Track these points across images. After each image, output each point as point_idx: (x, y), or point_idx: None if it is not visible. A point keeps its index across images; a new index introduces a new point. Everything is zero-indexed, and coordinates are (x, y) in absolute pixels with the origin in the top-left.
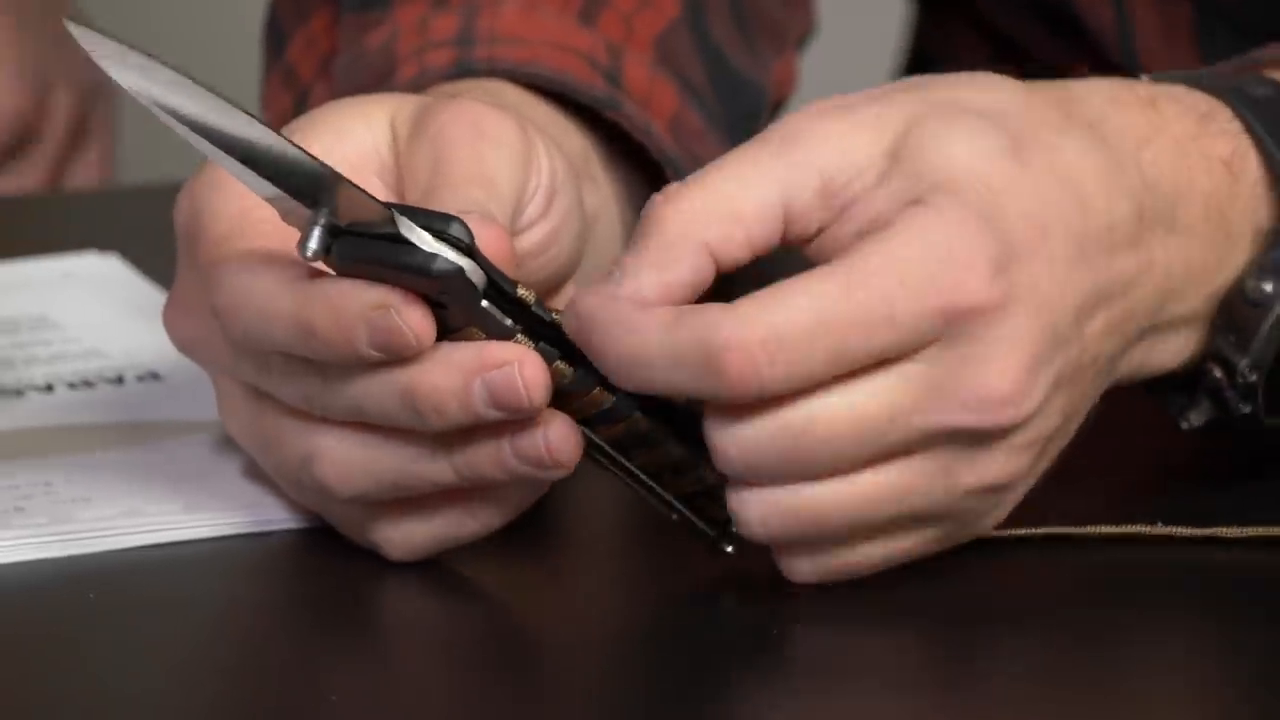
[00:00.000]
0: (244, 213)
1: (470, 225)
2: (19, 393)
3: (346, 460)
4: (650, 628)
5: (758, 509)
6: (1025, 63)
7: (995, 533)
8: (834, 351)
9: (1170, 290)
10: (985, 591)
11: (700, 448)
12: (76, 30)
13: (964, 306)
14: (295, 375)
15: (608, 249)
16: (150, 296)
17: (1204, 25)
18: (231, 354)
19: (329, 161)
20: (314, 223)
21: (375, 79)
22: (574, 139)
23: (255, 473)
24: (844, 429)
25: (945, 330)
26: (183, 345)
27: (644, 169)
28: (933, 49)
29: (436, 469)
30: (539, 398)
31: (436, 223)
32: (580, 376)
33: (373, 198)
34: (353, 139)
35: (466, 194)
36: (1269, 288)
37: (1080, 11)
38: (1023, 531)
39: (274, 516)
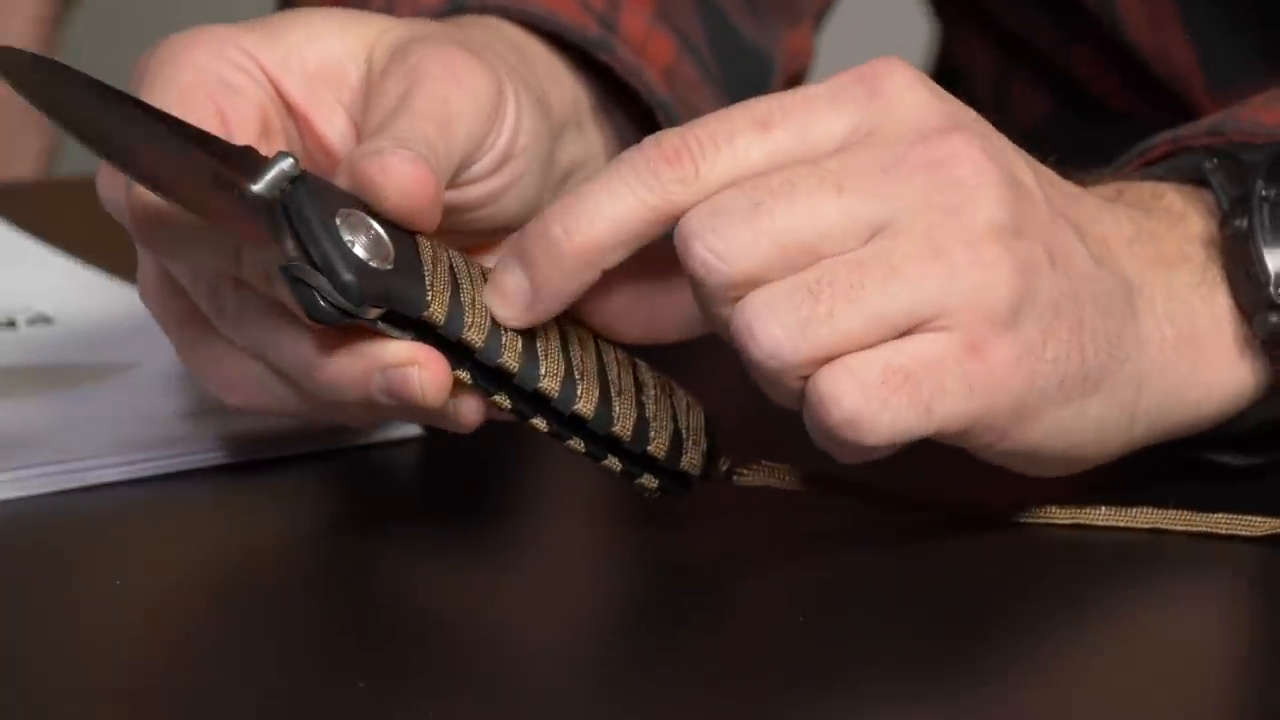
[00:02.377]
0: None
1: (403, 163)
2: None
3: (238, 380)
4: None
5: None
6: (1033, 63)
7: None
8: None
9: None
10: (1004, 572)
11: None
12: None
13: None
14: (212, 290)
15: None
16: (18, 241)
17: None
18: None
19: (287, 57)
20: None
21: None
22: (566, 83)
23: (179, 412)
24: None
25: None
26: (110, 206)
27: (639, 116)
28: (952, 54)
29: (312, 409)
30: (435, 400)
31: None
32: (479, 379)
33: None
34: (321, 45)
35: (420, 126)
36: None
37: None
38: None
39: (206, 454)
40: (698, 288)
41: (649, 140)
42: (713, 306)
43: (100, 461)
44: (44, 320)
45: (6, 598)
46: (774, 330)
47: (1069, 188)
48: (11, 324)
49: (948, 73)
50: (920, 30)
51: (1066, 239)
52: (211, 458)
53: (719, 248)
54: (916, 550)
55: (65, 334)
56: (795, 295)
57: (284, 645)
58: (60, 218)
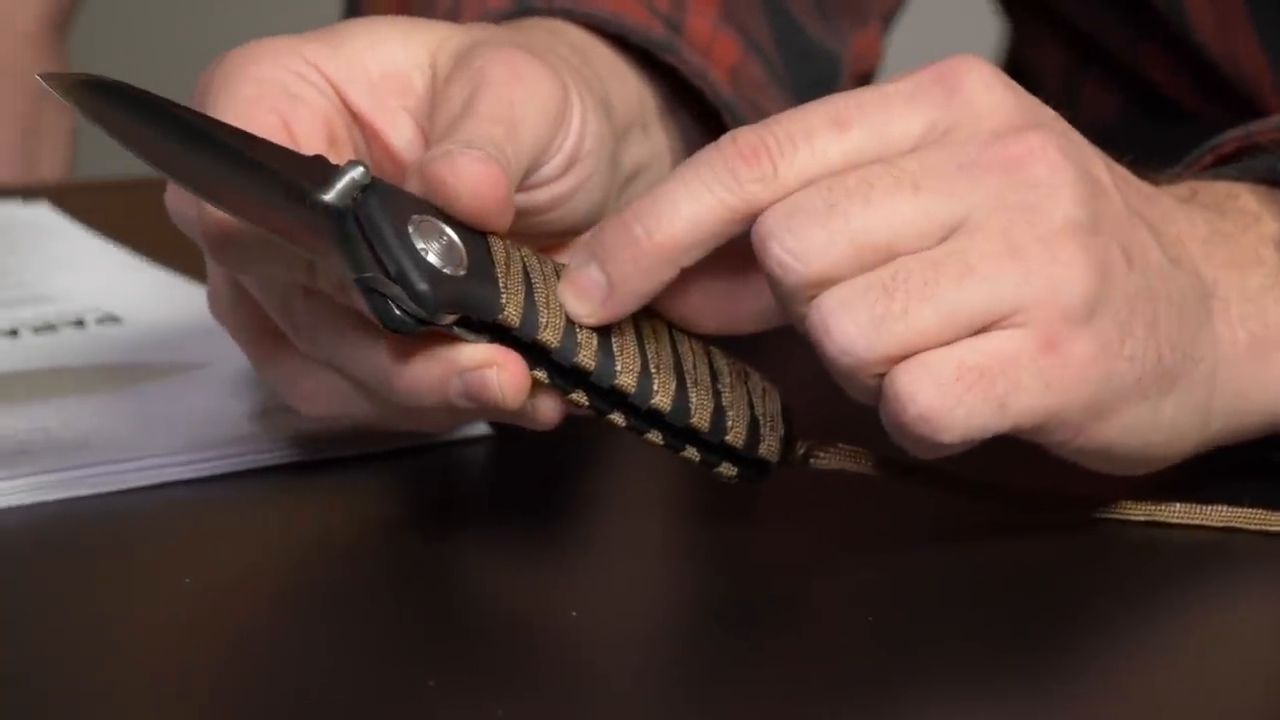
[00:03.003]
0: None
1: (473, 163)
2: None
3: (316, 392)
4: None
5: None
6: (1104, 62)
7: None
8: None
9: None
10: (1073, 574)
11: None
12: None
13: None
14: (285, 303)
15: None
16: (87, 241)
17: None
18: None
19: (350, 66)
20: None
21: None
22: (630, 84)
23: (248, 410)
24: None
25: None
26: (180, 221)
27: (704, 117)
28: (1022, 53)
29: (392, 417)
30: (515, 401)
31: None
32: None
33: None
34: (384, 52)
35: (487, 129)
36: None
37: None
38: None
39: (274, 453)
40: (775, 286)
41: (726, 138)
42: (790, 304)
43: (169, 460)
44: (112, 320)
45: (79, 595)
46: (849, 328)
47: (1144, 187)
48: (80, 323)
49: (1018, 71)
50: (990, 28)
51: (1142, 238)
52: (279, 456)
53: (795, 248)
54: (989, 548)
55: (133, 333)
56: (870, 293)
57: (353, 643)
58: (128, 217)
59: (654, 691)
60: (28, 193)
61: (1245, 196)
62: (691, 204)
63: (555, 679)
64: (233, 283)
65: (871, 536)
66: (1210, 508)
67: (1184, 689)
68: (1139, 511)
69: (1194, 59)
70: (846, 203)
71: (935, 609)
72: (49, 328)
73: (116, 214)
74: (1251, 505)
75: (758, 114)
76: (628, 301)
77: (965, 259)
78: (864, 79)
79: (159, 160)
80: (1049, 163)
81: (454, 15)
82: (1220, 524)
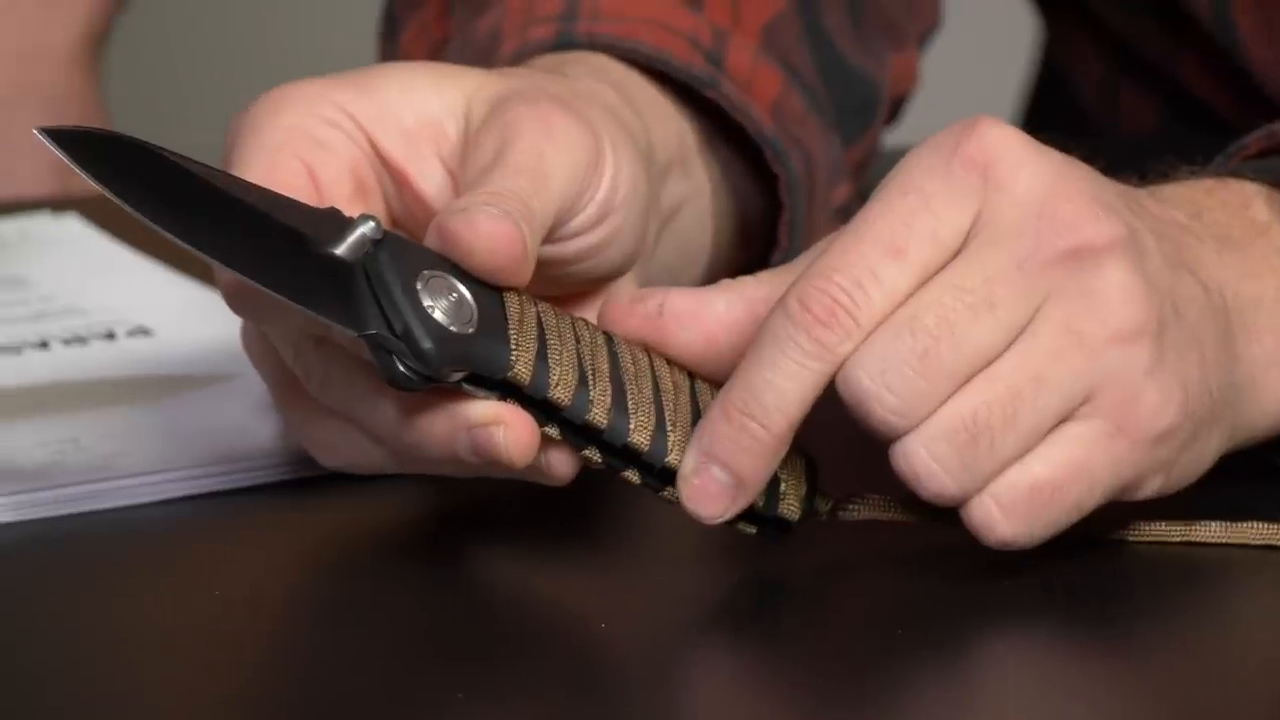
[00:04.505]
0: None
1: (490, 220)
2: (15, 350)
3: (330, 442)
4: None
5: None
6: (1142, 69)
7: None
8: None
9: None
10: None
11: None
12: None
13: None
14: (299, 351)
15: (691, 235)
16: (117, 253)
17: None
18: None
19: (384, 112)
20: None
21: (479, 59)
22: (671, 122)
23: (277, 424)
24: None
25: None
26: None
27: (744, 152)
28: (1058, 54)
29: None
30: (521, 459)
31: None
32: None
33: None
34: (418, 98)
35: (513, 181)
36: None
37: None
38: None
39: (304, 466)
40: (868, 430)
41: (794, 305)
42: (878, 437)
43: (199, 472)
44: (143, 332)
45: (108, 606)
46: (940, 477)
47: (1162, 218)
48: (111, 336)
49: (1054, 73)
50: (1026, 31)
51: (1183, 283)
52: (309, 469)
53: (901, 407)
54: (1023, 570)
55: (164, 346)
56: (956, 437)
57: (382, 655)
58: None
59: (685, 704)
60: (57, 205)
61: (1257, 205)
62: (792, 383)
63: (585, 691)
64: (256, 326)
65: (904, 547)
66: (1246, 525)
67: (1226, 711)
68: (1175, 533)
69: (1236, 70)
70: (935, 346)
71: (968, 629)
72: (79, 340)
73: (145, 226)
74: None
75: (798, 147)
76: (757, 489)
77: (1036, 369)
78: (901, 102)
79: (161, 220)
80: (1097, 246)
81: (494, 44)
82: (1259, 542)
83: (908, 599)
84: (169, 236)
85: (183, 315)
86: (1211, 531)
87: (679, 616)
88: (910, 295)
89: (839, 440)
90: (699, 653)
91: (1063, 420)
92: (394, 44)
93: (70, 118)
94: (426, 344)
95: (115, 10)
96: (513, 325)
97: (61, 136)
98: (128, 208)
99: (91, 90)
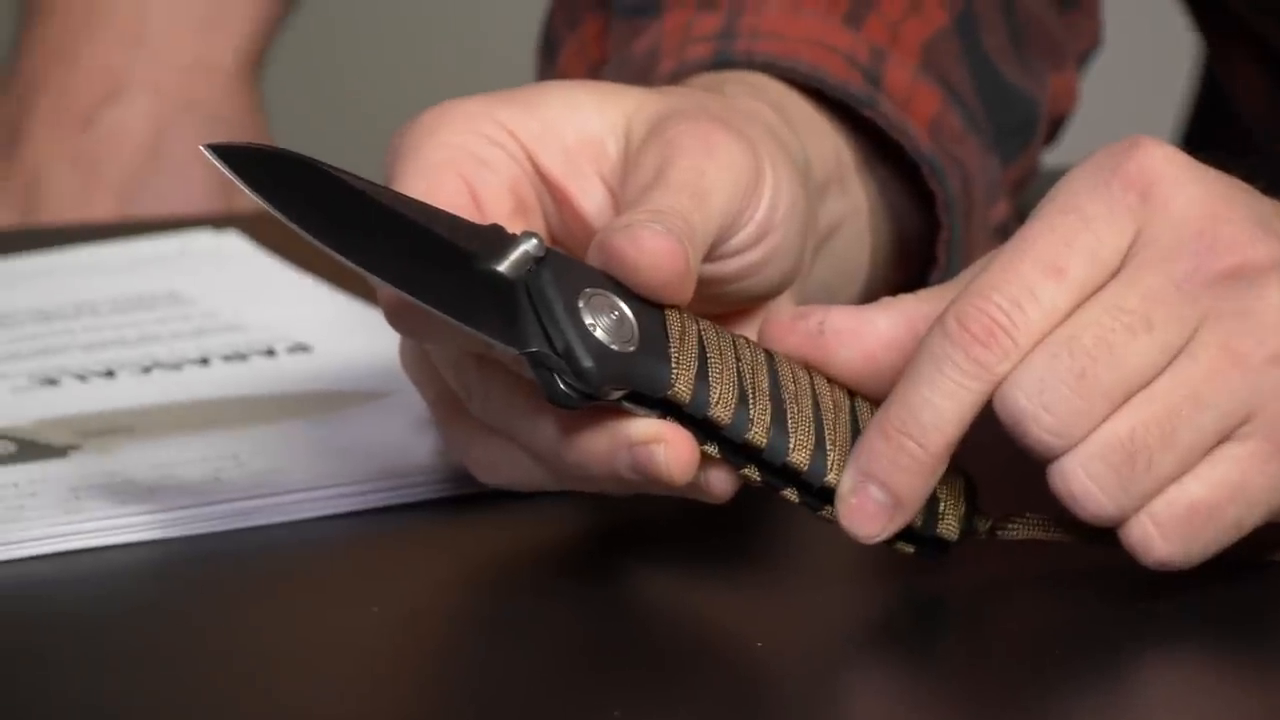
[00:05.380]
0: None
1: (654, 237)
2: (176, 367)
3: (491, 461)
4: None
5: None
6: None
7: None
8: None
9: None
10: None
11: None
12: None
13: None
14: (460, 369)
15: (849, 254)
16: (277, 270)
17: None
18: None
19: (545, 130)
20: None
21: (637, 79)
22: (828, 141)
23: (435, 440)
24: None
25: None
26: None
27: (902, 171)
28: (1216, 74)
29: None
30: (681, 477)
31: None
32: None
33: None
34: (580, 117)
35: (674, 198)
36: None
37: None
38: None
39: (460, 483)
40: (1026, 449)
41: (953, 324)
42: (1036, 456)
43: (358, 488)
44: (302, 349)
45: (269, 622)
46: (1098, 497)
47: None
48: (271, 353)
49: (1213, 93)
50: (1185, 46)
51: None
52: (467, 486)
53: (1057, 427)
54: (1181, 591)
55: (324, 362)
56: (1113, 457)
57: (539, 671)
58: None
59: None
60: (218, 222)
61: None
62: (951, 403)
63: (741, 710)
64: (416, 344)
65: (1063, 567)
66: None
67: None
68: None
69: None
70: (1093, 367)
71: (1128, 646)
72: (240, 356)
73: (306, 243)
74: None
75: (956, 166)
76: (915, 508)
77: (1194, 389)
78: (1061, 122)
79: (324, 236)
80: (1256, 266)
81: (652, 63)
82: None
83: (1066, 619)
84: (332, 253)
85: (342, 332)
86: None
87: (835, 636)
88: (1068, 315)
89: (997, 460)
90: (855, 672)
91: (1221, 440)
92: (552, 63)
93: (232, 134)
94: (588, 362)
95: (277, 28)
96: (673, 344)
97: (227, 153)
98: (292, 224)
99: (253, 107)
